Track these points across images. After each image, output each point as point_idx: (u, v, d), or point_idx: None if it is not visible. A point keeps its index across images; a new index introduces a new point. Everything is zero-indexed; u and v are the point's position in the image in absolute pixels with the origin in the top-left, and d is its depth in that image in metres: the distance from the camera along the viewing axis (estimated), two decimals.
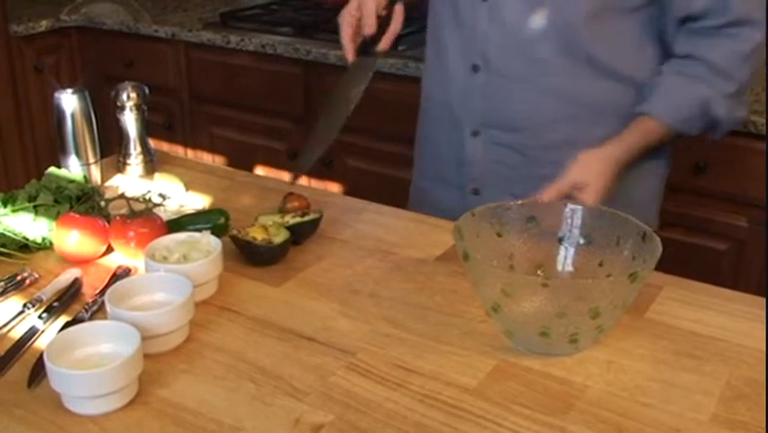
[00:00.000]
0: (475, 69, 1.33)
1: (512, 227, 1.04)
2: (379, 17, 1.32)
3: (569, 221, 1.03)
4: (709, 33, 1.26)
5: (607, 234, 1.01)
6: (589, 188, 1.23)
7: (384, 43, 1.33)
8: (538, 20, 1.26)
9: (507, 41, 1.30)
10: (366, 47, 1.34)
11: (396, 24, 1.33)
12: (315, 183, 2.44)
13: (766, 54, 1.28)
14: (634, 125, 1.29)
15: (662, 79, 1.29)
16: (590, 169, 1.25)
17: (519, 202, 1.04)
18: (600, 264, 1.01)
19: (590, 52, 1.27)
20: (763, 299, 1.06)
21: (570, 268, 1.03)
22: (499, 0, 1.29)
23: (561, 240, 1.04)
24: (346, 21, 1.34)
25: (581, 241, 1.03)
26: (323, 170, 2.43)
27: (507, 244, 1.03)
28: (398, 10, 1.33)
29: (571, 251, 1.03)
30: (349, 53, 1.34)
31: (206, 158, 2.69)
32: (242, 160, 2.56)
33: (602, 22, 1.26)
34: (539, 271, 1.03)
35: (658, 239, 0.94)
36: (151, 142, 1.48)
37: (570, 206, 1.04)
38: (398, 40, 1.37)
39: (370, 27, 1.32)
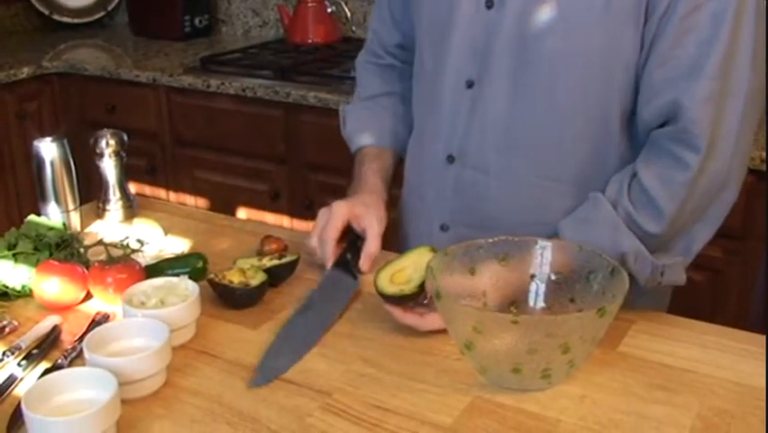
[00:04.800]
0: (450, 159, 1.25)
1: (484, 265, 1.05)
2: (349, 233, 1.24)
3: (539, 258, 1.05)
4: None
5: (576, 269, 1.03)
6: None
7: (365, 265, 1.21)
8: (525, 113, 1.16)
9: (487, 135, 1.19)
10: (345, 261, 1.21)
11: (371, 246, 1.22)
12: (297, 224, 2.46)
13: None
14: None
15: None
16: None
17: (490, 240, 1.06)
18: (572, 300, 1.03)
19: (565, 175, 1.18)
20: (734, 330, 1.08)
21: (542, 304, 1.05)
22: (485, 90, 1.18)
23: (532, 276, 1.06)
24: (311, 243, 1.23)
25: (553, 277, 1.05)
26: (303, 212, 2.45)
27: (479, 282, 1.05)
28: (371, 230, 1.22)
29: (543, 287, 1.05)
30: (327, 260, 1.21)
31: (189, 201, 2.70)
32: (224, 202, 2.57)
33: (590, 144, 1.16)
34: (512, 308, 1.05)
35: (626, 274, 0.96)
36: (133, 187, 1.49)
37: (540, 242, 1.06)
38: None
39: (327, 260, 1.21)
